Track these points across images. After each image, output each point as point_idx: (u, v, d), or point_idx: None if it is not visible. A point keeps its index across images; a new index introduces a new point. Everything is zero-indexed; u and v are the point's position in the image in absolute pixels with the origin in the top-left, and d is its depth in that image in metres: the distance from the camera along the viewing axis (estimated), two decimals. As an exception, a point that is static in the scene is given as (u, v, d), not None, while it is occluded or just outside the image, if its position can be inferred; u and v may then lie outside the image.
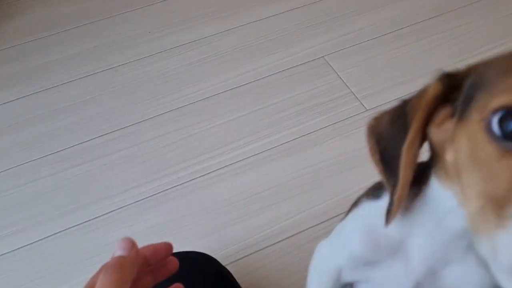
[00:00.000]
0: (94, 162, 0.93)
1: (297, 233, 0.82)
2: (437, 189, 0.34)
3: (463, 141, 0.30)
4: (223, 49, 1.11)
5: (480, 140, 0.28)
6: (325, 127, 0.96)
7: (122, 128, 0.98)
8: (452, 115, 0.32)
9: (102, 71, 1.08)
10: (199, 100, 1.02)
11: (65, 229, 0.84)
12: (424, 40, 1.12)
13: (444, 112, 0.33)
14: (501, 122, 0.27)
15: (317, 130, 0.95)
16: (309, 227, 0.82)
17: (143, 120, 0.99)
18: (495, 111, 0.27)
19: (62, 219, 0.85)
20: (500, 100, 0.27)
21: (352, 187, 0.86)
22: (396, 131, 0.34)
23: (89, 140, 0.96)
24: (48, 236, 0.83)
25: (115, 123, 0.99)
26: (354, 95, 1.01)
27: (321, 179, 0.88)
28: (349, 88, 1.02)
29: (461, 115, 0.30)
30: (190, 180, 0.89)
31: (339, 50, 1.10)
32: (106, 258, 0.36)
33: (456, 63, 1.04)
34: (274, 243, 0.82)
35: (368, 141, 0.37)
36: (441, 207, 0.34)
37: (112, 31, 1.17)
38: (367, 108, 0.99)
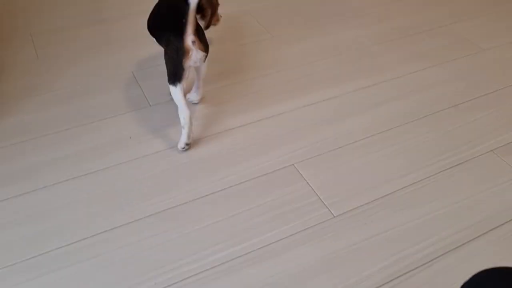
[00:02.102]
0: (78, 265, 0.94)
1: None
2: None
3: None
4: (197, 157, 1.18)
5: None
6: (295, 233, 1.01)
7: (97, 234, 1.00)
8: None
9: (82, 175, 1.13)
10: (176, 206, 1.06)
11: None
12: (385, 149, 1.21)
13: None
14: None
15: (287, 237, 1.00)
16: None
17: (119, 226, 1.02)
18: None
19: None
20: None
21: (320, 295, 0.89)
22: None
23: (70, 243, 0.98)
24: None
25: (93, 228, 1.02)
26: (322, 202, 1.08)
27: (292, 285, 0.91)
28: (317, 195, 1.09)
29: None
30: (168, 286, 0.91)
31: (309, 158, 1.18)
32: None
33: (417, 170, 1.13)
34: None
35: None
36: None
37: (91, 137, 1.23)
38: (335, 215, 1.05)
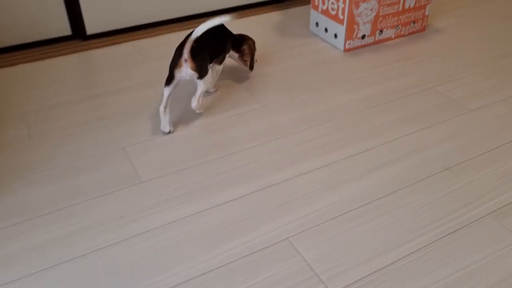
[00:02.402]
0: None
1: None
2: None
3: None
4: (186, 235, 1.16)
5: None
6: (292, 314, 0.97)
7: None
8: None
9: (72, 259, 1.10)
10: (167, 288, 1.03)
11: None
12: (381, 218, 1.20)
13: None
14: None
15: (283, 318, 0.96)
16: None
17: (110, 312, 0.98)
18: None
19: None
20: None
21: None
22: None
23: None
24: None
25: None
26: (319, 277, 1.04)
27: None
28: (313, 271, 1.06)
29: None
30: None
31: (303, 231, 1.16)
32: None
33: (415, 238, 1.11)
34: None
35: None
36: None
37: (82, 217, 1.21)
38: (332, 291, 1.01)
